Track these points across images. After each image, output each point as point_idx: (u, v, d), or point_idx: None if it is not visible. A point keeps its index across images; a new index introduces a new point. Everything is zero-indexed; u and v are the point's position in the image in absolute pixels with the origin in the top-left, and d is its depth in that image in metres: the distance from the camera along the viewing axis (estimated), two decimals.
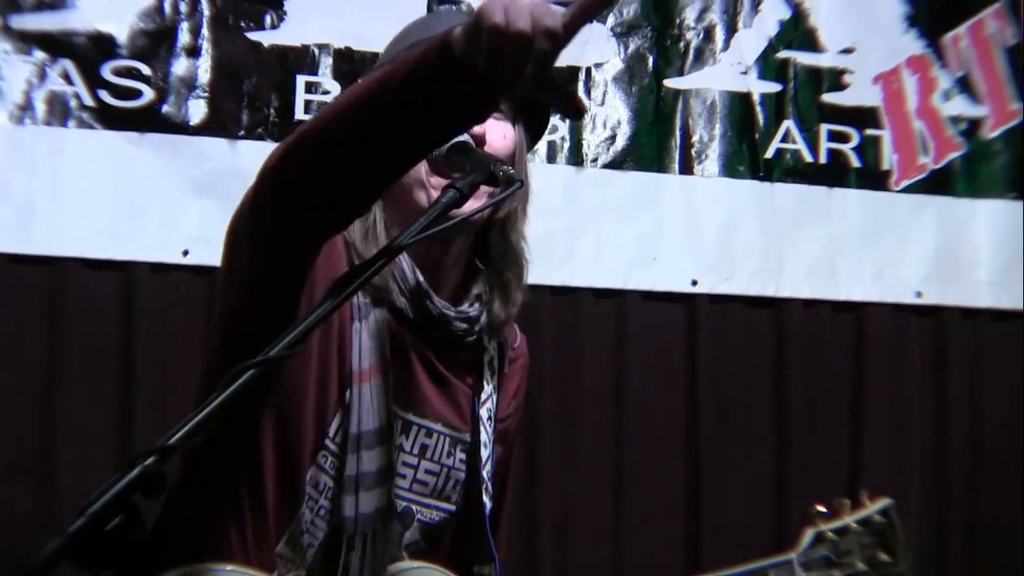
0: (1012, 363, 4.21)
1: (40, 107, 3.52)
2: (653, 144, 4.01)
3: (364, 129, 1.70)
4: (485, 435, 2.16)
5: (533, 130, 2.21)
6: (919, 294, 4.12)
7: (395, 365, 2.07)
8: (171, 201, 3.49)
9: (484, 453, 2.16)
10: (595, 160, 3.95)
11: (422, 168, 1.99)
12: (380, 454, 2.03)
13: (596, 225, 3.92)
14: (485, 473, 2.16)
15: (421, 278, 2.04)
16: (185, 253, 3.51)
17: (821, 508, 2.32)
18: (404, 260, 2.05)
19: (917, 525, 4.00)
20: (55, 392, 3.47)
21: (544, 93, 1.65)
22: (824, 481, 4.03)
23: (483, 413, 2.17)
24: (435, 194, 1.94)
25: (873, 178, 4.17)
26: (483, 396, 2.18)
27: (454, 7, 3.74)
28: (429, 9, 3.69)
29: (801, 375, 4.02)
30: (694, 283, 3.99)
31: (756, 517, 3.96)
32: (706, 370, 3.96)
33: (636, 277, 3.95)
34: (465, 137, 1.93)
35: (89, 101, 3.54)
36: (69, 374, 3.48)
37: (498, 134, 2.05)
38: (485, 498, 2.15)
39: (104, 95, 3.55)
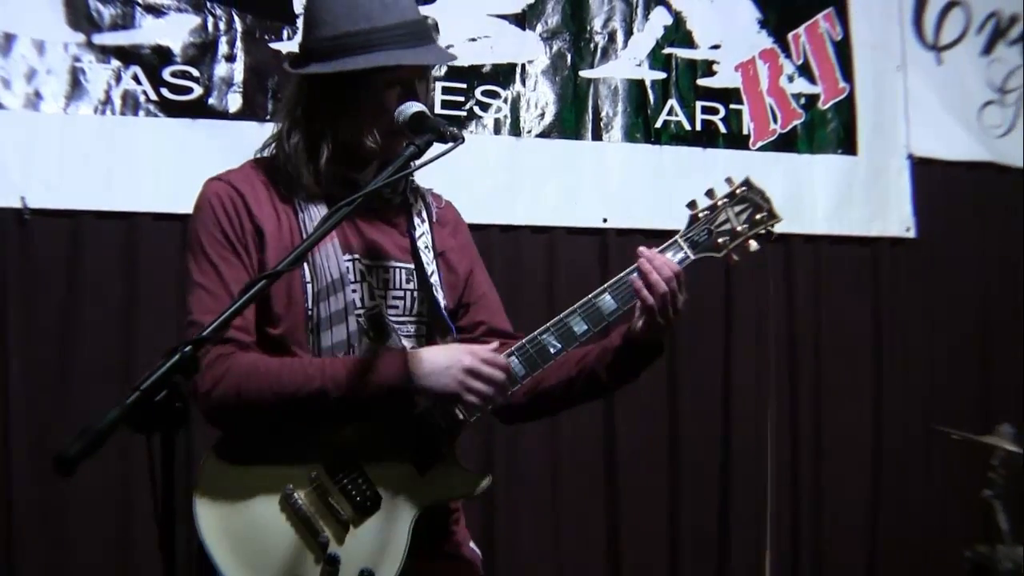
0: (843, 275, 4.48)
1: (117, 102, 3.58)
2: (572, 119, 4.12)
3: (306, 419, 2.05)
4: (426, 259, 2.22)
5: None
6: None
7: (345, 230, 2.15)
8: (217, 170, 3.16)
9: (428, 269, 2.21)
10: (530, 131, 4.06)
11: (382, 126, 2.10)
12: (342, 296, 2.11)
13: (531, 179, 4.04)
14: (433, 280, 2.21)
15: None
16: None
17: (693, 199, 2.28)
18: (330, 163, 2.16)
19: (778, 401, 4.15)
20: (132, 319, 3.57)
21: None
22: (702, 365, 4.22)
23: (420, 244, 2.23)
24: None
25: (736, 141, 4.30)
26: (417, 233, 2.24)
27: None
28: None
29: (687, 290, 4.10)
30: (605, 220, 4.11)
31: (654, 398, 4.14)
32: None
33: (562, 216, 4.08)
34: (421, 107, 2.04)
35: (154, 97, 3.62)
36: (146, 303, 3.58)
37: (423, 89, 2.13)
38: (438, 296, 2.21)
39: (165, 92, 3.63)
